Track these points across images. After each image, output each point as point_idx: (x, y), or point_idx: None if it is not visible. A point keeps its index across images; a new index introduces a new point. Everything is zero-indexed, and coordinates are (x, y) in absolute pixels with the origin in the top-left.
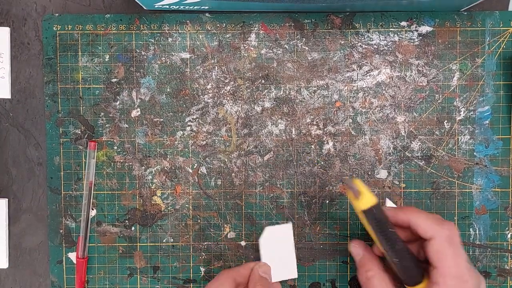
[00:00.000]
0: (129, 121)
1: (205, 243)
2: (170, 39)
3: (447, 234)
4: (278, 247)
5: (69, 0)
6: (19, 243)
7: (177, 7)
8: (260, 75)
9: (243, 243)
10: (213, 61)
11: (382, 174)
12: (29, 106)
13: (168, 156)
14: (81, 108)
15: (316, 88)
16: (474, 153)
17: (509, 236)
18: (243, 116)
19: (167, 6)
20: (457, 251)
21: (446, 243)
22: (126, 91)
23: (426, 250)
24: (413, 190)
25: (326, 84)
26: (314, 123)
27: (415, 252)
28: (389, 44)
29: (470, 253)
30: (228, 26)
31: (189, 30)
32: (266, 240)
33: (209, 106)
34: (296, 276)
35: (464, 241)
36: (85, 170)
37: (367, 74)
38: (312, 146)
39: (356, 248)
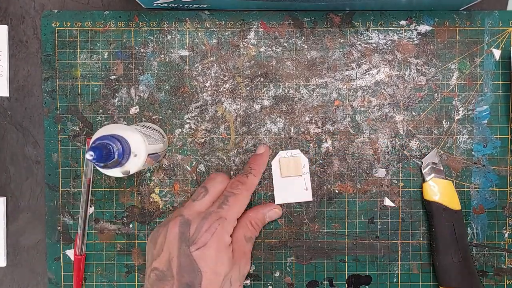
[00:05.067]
0: (128, 118)
1: None
2: (169, 37)
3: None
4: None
5: None
6: (17, 241)
7: (176, 5)
8: (259, 73)
9: None
10: (212, 58)
11: (381, 173)
12: (27, 104)
13: (167, 154)
14: (80, 105)
15: (315, 87)
16: (472, 153)
17: (506, 235)
18: (241, 114)
19: (166, 5)
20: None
21: None
22: (125, 88)
23: None
24: (411, 189)
25: (325, 83)
26: (313, 121)
27: None
28: (388, 43)
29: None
30: (227, 24)
31: (188, 28)
32: (278, 162)
33: (208, 104)
34: (311, 199)
35: None
36: (83, 167)
37: (366, 73)
38: (311, 145)
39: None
